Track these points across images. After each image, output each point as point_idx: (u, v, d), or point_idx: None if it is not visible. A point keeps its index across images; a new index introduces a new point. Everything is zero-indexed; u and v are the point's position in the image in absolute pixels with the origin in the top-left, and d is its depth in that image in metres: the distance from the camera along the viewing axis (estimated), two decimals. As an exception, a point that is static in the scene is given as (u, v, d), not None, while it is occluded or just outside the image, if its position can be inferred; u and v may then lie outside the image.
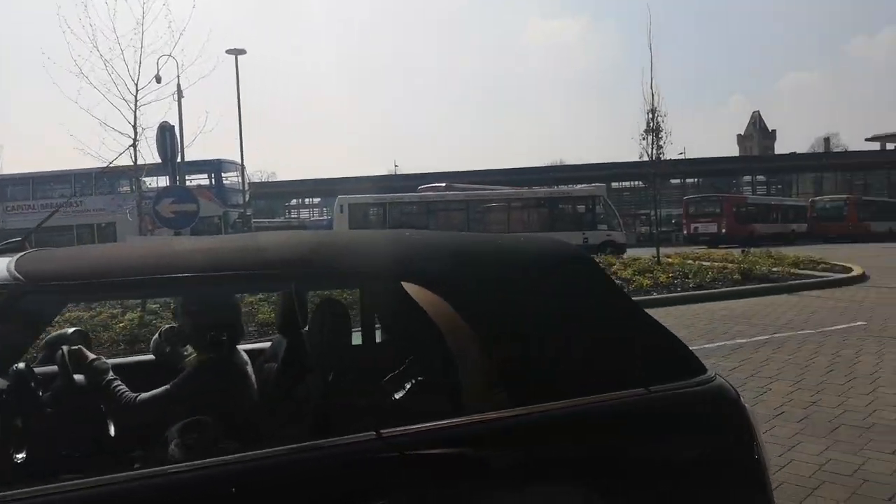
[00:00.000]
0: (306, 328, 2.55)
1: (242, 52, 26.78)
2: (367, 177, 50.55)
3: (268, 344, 3.02)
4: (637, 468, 1.99)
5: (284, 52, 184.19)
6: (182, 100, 17.01)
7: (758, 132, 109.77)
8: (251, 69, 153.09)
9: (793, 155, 60.86)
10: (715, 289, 13.06)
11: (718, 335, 8.59)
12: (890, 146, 58.45)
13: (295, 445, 1.74)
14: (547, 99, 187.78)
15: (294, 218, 57.21)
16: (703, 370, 2.21)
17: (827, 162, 55.94)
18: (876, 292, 12.80)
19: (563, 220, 27.17)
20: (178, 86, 14.92)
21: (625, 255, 21.17)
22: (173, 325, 2.84)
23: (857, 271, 15.66)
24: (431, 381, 2.22)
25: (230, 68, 26.46)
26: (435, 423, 1.86)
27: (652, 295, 12.44)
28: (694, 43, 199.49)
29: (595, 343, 2.12)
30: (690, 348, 2.30)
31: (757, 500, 2.11)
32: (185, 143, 13.96)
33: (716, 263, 16.72)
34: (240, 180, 26.45)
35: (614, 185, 53.03)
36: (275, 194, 55.42)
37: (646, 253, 20.39)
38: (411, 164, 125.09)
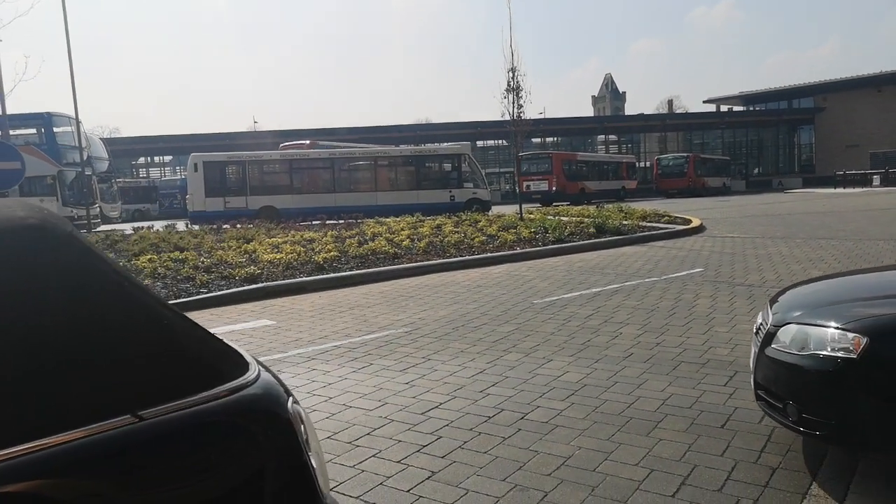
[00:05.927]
0: None
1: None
2: (224, 133, 47.74)
3: None
4: None
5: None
6: (-1, 43, 14.91)
7: (609, 94, 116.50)
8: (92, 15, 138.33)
9: (640, 115, 65.15)
10: (572, 242, 13.74)
11: (576, 285, 9.03)
12: (724, 108, 64.33)
13: None
14: (413, 57, 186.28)
15: (143, 178, 52.94)
16: (242, 371, 1.68)
17: (670, 122, 60.46)
18: (711, 241, 14.08)
19: (429, 178, 27.19)
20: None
21: (490, 212, 21.74)
22: None
23: (695, 223, 17.15)
24: None
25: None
26: None
27: (515, 250, 12.86)
28: (559, 4, 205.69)
29: (63, 356, 1.41)
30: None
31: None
32: (5, 93, 12.29)
33: (573, 218, 17.58)
34: (76, 136, 23.78)
35: (479, 143, 54.02)
36: (120, 152, 50.88)
37: (510, 209, 21.03)
38: (272, 122, 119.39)
